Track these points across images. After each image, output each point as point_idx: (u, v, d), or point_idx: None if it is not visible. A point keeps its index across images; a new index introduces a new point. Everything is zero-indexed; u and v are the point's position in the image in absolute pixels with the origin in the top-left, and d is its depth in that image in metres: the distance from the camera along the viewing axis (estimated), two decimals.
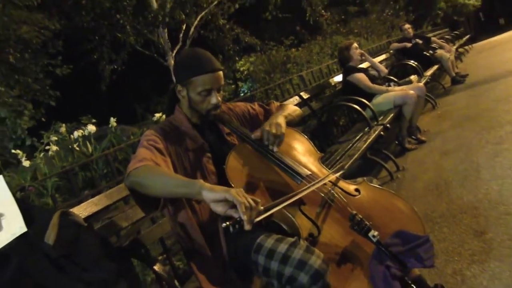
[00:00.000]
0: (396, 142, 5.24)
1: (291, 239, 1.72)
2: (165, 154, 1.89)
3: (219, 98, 2.02)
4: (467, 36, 16.16)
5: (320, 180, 1.90)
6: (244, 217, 1.46)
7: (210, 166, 2.00)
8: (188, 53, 2.08)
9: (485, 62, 10.54)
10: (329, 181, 1.98)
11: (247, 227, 1.47)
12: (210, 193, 1.54)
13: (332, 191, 1.94)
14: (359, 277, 1.74)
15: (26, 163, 5.03)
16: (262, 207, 1.58)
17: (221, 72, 2.01)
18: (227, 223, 1.47)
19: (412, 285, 1.75)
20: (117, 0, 10.45)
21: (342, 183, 2.02)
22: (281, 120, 2.10)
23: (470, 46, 15.93)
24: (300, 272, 1.60)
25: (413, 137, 5.28)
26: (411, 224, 1.90)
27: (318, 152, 2.20)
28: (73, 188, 3.95)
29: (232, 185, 1.82)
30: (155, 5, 10.76)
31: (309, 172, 1.97)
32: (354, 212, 1.80)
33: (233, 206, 1.50)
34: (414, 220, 1.92)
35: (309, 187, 1.82)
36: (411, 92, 5.02)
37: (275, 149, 2.00)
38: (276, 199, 1.78)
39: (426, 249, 1.77)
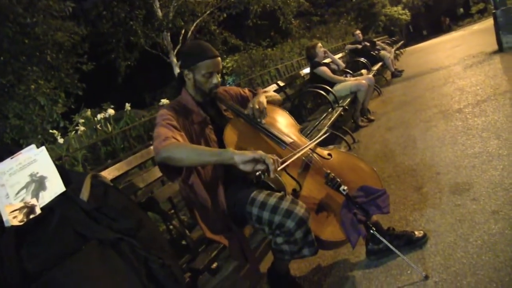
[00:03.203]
0: (352, 121, 5.20)
1: (279, 194, 1.68)
2: (179, 129, 1.79)
3: (219, 79, 1.94)
4: (401, 42, 16.16)
5: (314, 141, 1.91)
6: (272, 167, 1.48)
7: (212, 135, 1.92)
8: (193, 44, 1.99)
9: (415, 62, 10.56)
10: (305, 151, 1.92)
11: (272, 174, 1.50)
12: (241, 157, 1.51)
13: (310, 155, 1.89)
14: (333, 222, 1.71)
15: (60, 140, 4.92)
16: (281, 160, 1.58)
17: (219, 58, 1.92)
18: (259, 172, 1.49)
19: (373, 227, 1.72)
20: (130, 11, 10.30)
21: (318, 149, 1.97)
22: (262, 98, 2.04)
23: (403, 50, 15.95)
24: (287, 220, 1.56)
25: (365, 116, 5.25)
26: (371, 180, 1.87)
27: (298, 124, 2.13)
28: (98, 158, 3.83)
29: None
30: (160, 14, 10.58)
31: (292, 140, 1.91)
32: (328, 171, 1.76)
33: (258, 163, 1.50)
34: (373, 177, 1.89)
35: (309, 144, 1.87)
36: (363, 81, 4.98)
37: (263, 121, 1.93)
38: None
39: (383, 199, 1.74)
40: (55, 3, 6.86)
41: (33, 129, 5.86)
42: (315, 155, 1.91)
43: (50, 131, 5.38)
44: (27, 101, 6.14)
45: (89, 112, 5.74)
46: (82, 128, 4.98)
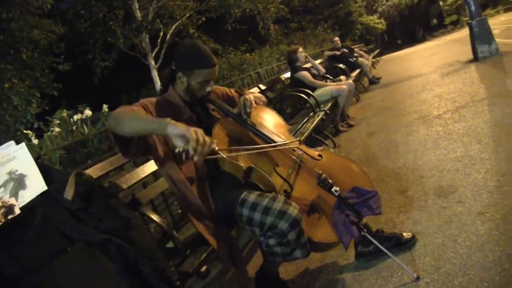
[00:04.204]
0: (332, 125, 5.23)
1: (271, 194, 1.64)
2: (150, 113, 1.74)
3: (213, 86, 1.90)
4: (377, 50, 16.51)
5: (283, 144, 1.86)
6: (193, 149, 1.37)
7: None
8: (192, 46, 1.87)
9: (392, 69, 10.79)
10: (298, 147, 1.90)
11: (195, 158, 1.39)
12: (174, 128, 1.42)
13: (301, 156, 1.87)
14: (325, 224, 1.69)
15: (35, 141, 4.77)
16: (216, 148, 1.50)
17: (217, 67, 1.88)
18: (179, 149, 1.39)
19: (364, 229, 1.71)
20: (109, 11, 10.14)
21: (308, 150, 1.96)
22: (251, 96, 2.02)
23: (379, 58, 16.29)
24: (280, 221, 1.53)
25: (345, 122, 5.29)
26: (362, 181, 1.86)
27: (287, 125, 2.11)
28: (74, 160, 3.72)
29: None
30: (139, 15, 10.47)
31: (282, 140, 1.89)
32: (320, 172, 1.74)
33: (188, 141, 1.40)
34: (364, 178, 1.89)
35: (268, 146, 1.80)
36: (344, 86, 5.03)
37: (252, 120, 1.91)
38: (255, 162, 1.69)
39: (375, 200, 1.75)
40: None
41: (5, 129, 5.64)
42: (305, 155, 1.89)
43: (24, 131, 5.20)
44: (0, 100, 5.90)
45: (65, 113, 5.57)
46: (57, 129, 4.83)
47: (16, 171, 1.39)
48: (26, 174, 1.39)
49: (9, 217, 1.23)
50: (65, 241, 1.16)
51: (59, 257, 1.11)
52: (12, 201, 1.29)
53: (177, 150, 1.40)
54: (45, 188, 1.35)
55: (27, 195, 1.33)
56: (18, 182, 1.36)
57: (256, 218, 1.58)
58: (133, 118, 1.55)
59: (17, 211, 1.26)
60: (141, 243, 1.26)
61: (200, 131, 1.43)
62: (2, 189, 1.34)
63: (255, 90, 4.61)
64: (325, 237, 1.65)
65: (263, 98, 2.30)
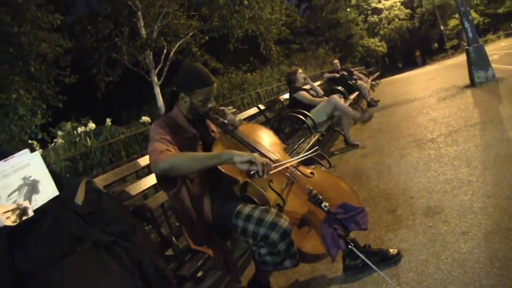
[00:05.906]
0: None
1: (264, 207, 1.77)
2: (172, 143, 1.87)
3: (214, 103, 2.04)
4: (377, 74, 16.74)
5: (301, 157, 2.05)
6: (262, 170, 1.65)
7: (200, 150, 2.00)
8: (191, 68, 2.02)
9: (390, 92, 10.94)
10: (291, 165, 2.03)
11: (265, 176, 1.67)
12: (240, 157, 1.66)
13: (294, 173, 2.00)
14: (314, 237, 1.80)
15: (39, 151, 4.89)
16: (274, 165, 1.76)
17: (216, 84, 2.03)
18: (253, 172, 1.66)
19: (351, 243, 1.82)
20: (115, 27, 10.41)
21: (301, 167, 2.09)
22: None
23: (379, 81, 16.49)
24: (272, 232, 1.65)
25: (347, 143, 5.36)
26: (351, 198, 1.98)
27: (283, 144, 2.25)
28: (77, 170, 3.84)
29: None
30: (144, 33, 10.73)
31: (277, 157, 2.02)
32: (311, 188, 1.86)
33: (253, 164, 1.65)
34: (353, 196, 2.01)
35: (298, 158, 2.05)
36: (333, 95, 5.15)
37: (250, 140, 2.05)
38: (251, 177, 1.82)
39: (362, 216, 1.86)
40: (43, 15, 6.88)
41: (9, 139, 5.77)
42: (298, 173, 2.02)
43: (29, 141, 5.33)
44: (7, 110, 6.06)
45: (69, 125, 5.71)
46: (60, 141, 4.96)
47: (30, 176, 1.50)
48: (39, 180, 1.50)
49: (24, 218, 1.35)
50: (74, 241, 1.28)
51: (69, 255, 1.22)
52: (26, 204, 1.41)
53: (252, 173, 1.67)
54: (57, 193, 1.47)
55: (40, 199, 1.45)
56: (31, 187, 1.48)
57: (250, 229, 1.70)
58: (192, 160, 1.75)
59: (31, 213, 1.38)
60: (144, 246, 1.38)
61: (259, 156, 1.71)
62: (17, 192, 1.45)
63: (253, 110, 4.78)
64: (314, 248, 1.77)
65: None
